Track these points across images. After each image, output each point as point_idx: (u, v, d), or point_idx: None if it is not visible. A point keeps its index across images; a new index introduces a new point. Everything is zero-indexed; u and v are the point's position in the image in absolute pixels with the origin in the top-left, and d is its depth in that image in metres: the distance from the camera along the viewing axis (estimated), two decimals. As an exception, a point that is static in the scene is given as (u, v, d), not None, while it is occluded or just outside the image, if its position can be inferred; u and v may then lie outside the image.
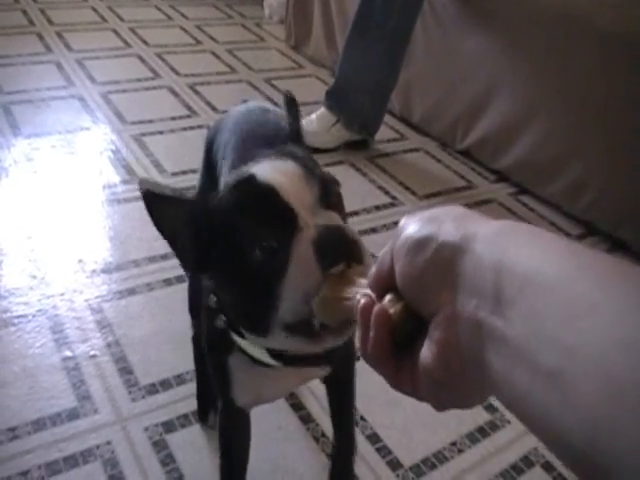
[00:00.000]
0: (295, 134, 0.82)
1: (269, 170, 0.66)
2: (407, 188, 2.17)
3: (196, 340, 1.29)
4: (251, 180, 0.66)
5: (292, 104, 0.85)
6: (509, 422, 1.39)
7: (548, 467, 1.31)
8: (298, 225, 0.62)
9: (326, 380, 1.00)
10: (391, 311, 0.43)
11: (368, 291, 0.46)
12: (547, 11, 2.11)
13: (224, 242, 0.66)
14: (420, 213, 0.43)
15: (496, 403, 1.43)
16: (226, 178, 0.81)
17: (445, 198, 2.19)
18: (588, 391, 0.27)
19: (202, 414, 1.30)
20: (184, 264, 0.73)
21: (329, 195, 0.65)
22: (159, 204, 0.66)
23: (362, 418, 1.33)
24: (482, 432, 1.36)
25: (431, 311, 0.39)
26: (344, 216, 0.68)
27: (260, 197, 0.64)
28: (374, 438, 1.29)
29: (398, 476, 1.24)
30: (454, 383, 0.39)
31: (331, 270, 0.58)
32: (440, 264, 0.38)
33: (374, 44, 2.25)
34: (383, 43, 2.25)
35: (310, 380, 0.94)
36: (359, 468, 1.23)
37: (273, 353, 0.75)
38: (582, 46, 2.01)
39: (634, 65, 1.89)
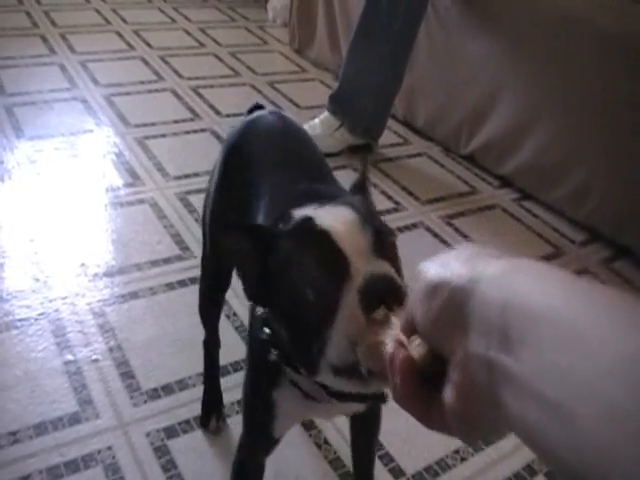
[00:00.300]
0: (359, 186, 0.82)
1: (328, 216, 0.68)
2: (410, 193, 2.16)
3: (207, 344, 1.29)
4: (311, 225, 0.67)
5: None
6: (512, 430, 1.38)
7: (551, 476, 1.31)
8: (349, 273, 0.63)
9: (353, 415, 0.99)
10: (416, 355, 0.45)
11: (399, 335, 0.48)
12: (549, 14, 2.11)
13: (283, 279, 0.68)
14: (437, 257, 0.45)
15: (499, 410, 1.42)
16: (272, 211, 0.82)
17: (448, 203, 2.19)
18: (586, 416, 0.28)
19: (205, 419, 1.29)
20: (247, 292, 0.74)
21: (383, 244, 0.66)
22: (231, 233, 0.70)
23: (365, 425, 1.33)
24: (485, 440, 1.35)
25: (449, 353, 0.41)
26: (398, 266, 0.68)
27: (317, 242, 0.66)
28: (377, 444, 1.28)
29: (400, 484, 1.23)
30: (477, 420, 0.40)
31: (374, 314, 0.59)
32: (452, 308, 0.40)
33: (378, 47, 2.25)
34: (387, 46, 2.25)
35: (352, 410, 0.93)
36: (361, 475, 1.23)
37: (327, 389, 0.75)
38: (584, 49, 2.01)
39: (635, 68, 1.89)
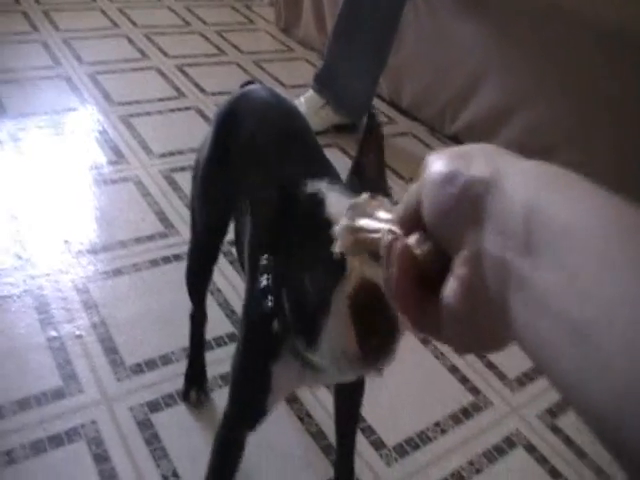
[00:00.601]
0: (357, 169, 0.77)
1: (337, 206, 0.67)
2: (395, 172, 2.17)
3: (193, 318, 1.30)
4: (320, 210, 0.68)
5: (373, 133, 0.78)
6: (492, 404, 1.40)
7: (530, 448, 1.33)
8: (343, 273, 0.64)
9: (338, 385, 1.00)
10: (417, 252, 0.41)
11: (394, 228, 0.43)
12: (537, 0, 2.11)
13: (290, 249, 0.70)
14: (449, 149, 0.40)
15: (479, 385, 1.44)
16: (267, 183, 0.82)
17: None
18: (620, 351, 0.26)
19: (186, 392, 1.30)
20: (256, 240, 0.76)
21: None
22: None
23: (346, 398, 1.35)
24: (466, 413, 1.37)
25: (457, 248, 0.37)
26: None
27: (321, 233, 0.65)
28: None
29: (381, 456, 1.25)
30: (478, 323, 0.37)
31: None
32: (468, 200, 0.36)
33: (363, 28, 2.24)
34: (372, 27, 2.24)
35: (340, 381, 0.95)
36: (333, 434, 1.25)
37: None
38: (571, 34, 2.01)
39: (622, 53, 1.90)
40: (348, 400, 1.06)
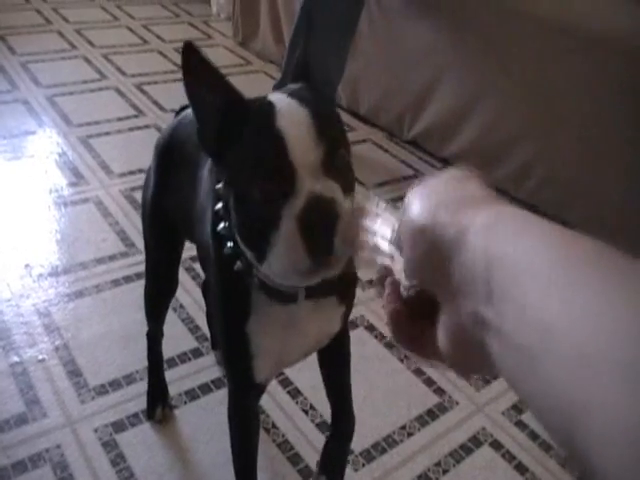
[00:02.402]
0: (302, 70, 0.77)
1: (288, 114, 0.66)
2: (355, 179, 2.18)
3: (150, 336, 1.30)
4: (270, 119, 0.66)
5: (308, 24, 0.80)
6: (457, 404, 1.42)
7: (496, 445, 1.34)
8: (294, 188, 0.63)
9: (322, 352, 0.98)
10: (404, 294, 0.45)
11: (387, 261, 0.48)
12: (490, 1, 2.14)
13: (236, 154, 0.68)
14: (426, 186, 0.44)
15: (444, 386, 1.45)
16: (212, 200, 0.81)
17: (393, 187, 2.22)
18: (561, 367, 0.28)
19: (151, 410, 1.30)
20: (202, 143, 0.73)
21: (334, 160, 0.66)
22: (199, 70, 0.67)
23: (311, 407, 1.35)
24: (431, 415, 1.39)
25: (439, 297, 0.42)
26: (349, 181, 0.68)
27: (270, 143, 0.65)
28: (324, 426, 1.30)
29: (349, 462, 1.25)
30: (471, 361, 0.41)
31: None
32: (438, 259, 0.39)
33: (320, 38, 2.26)
34: (329, 37, 2.26)
35: (326, 337, 0.91)
36: (310, 457, 1.25)
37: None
38: (524, 33, 2.06)
39: (573, 50, 1.93)
40: (335, 363, 1.02)
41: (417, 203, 0.43)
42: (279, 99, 0.69)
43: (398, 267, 0.46)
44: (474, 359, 0.40)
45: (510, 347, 0.33)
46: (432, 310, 0.43)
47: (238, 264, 0.75)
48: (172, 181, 1.03)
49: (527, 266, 0.33)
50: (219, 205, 0.76)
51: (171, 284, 1.22)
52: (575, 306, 0.29)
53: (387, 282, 0.48)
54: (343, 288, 0.84)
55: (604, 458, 0.26)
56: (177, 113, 1.12)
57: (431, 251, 0.40)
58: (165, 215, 1.07)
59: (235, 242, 0.74)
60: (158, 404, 1.30)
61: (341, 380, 1.03)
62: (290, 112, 0.67)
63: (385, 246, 0.50)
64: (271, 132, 0.65)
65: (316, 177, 0.64)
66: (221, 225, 0.75)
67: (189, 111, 1.08)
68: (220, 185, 0.76)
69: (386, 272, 0.48)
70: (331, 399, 1.04)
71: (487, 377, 1.47)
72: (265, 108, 0.67)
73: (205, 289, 1.45)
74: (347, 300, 0.88)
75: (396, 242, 0.47)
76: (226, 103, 0.69)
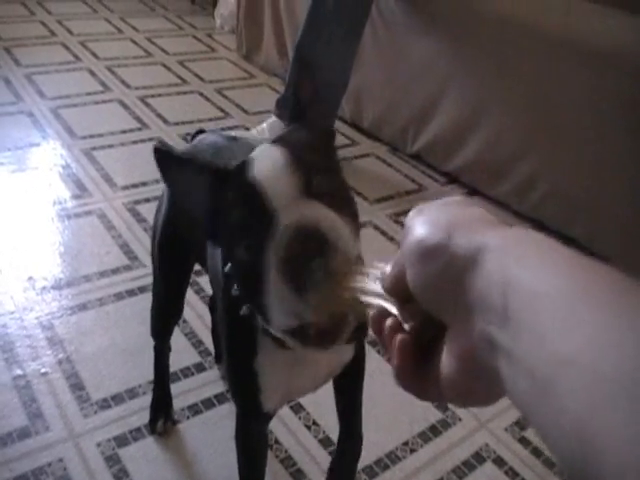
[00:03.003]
0: (298, 112, 0.76)
1: (261, 161, 0.65)
2: (358, 193, 2.19)
3: (157, 350, 1.30)
4: (243, 172, 0.65)
5: (304, 70, 0.80)
6: (460, 420, 1.42)
7: (499, 462, 1.34)
8: (274, 227, 0.60)
9: (335, 380, 0.96)
10: (407, 327, 0.44)
11: (377, 301, 0.47)
12: (493, 15, 2.16)
13: (225, 223, 0.67)
14: (428, 210, 0.43)
15: (447, 401, 1.45)
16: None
17: (396, 201, 2.22)
18: (577, 399, 0.28)
19: (152, 422, 1.30)
20: (202, 229, 0.73)
21: (316, 182, 0.63)
22: (173, 167, 0.68)
23: (314, 422, 1.35)
24: (434, 431, 1.38)
25: (447, 320, 0.40)
26: (340, 198, 0.65)
27: (244, 194, 0.64)
28: (327, 442, 1.30)
29: (351, 478, 1.25)
30: (476, 389, 0.40)
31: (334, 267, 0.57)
32: (452, 277, 0.38)
33: (324, 52, 2.27)
34: (333, 50, 2.27)
35: (338, 368, 0.89)
36: (313, 473, 1.25)
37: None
38: (527, 48, 2.06)
39: (577, 64, 1.94)
40: (348, 385, 0.99)
41: (426, 223, 0.42)
42: (260, 150, 0.69)
43: (393, 310, 0.45)
44: (480, 386, 0.39)
45: (523, 373, 0.33)
46: (435, 339, 0.42)
47: (244, 309, 0.75)
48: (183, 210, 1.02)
49: (547, 295, 0.33)
50: (235, 289, 0.75)
51: (179, 307, 1.23)
52: (595, 340, 0.29)
53: (386, 320, 0.45)
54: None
55: None
56: (193, 137, 1.12)
57: (445, 270, 0.39)
58: (177, 241, 1.07)
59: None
60: (160, 417, 1.30)
61: (354, 399, 1.01)
62: (265, 157, 0.66)
63: (376, 288, 0.48)
64: (245, 183, 0.64)
65: (296, 208, 0.61)
66: (229, 265, 0.75)
67: (204, 136, 1.08)
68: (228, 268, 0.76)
69: (381, 313, 0.46)
70: (341, 417, 1.03)
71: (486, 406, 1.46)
72: (242, 164, 0.67)
73: (212, 304, 1.45)
74: (360, 330, 0.86)
75: (395, 270, 0.45)
76: (211, 182, 0.69)
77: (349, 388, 1.00)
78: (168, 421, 1.30)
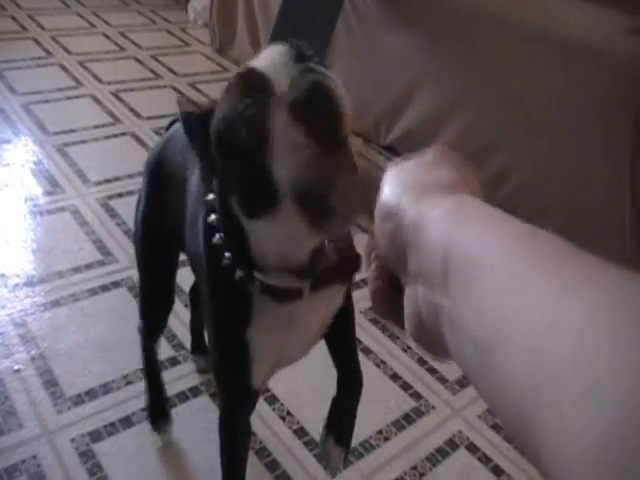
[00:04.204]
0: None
1: (262, 55, 0.66)
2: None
3: (147, 349, 1.27)
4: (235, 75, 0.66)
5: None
6: (434, 408, 1.43)
7: (472, 448, 1.36)
8: (272, 89, 0.60)
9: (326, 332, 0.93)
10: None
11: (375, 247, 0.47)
12: (467, 8, 2.16)
13: (221, 139, 0.66)
14: (400, 169, 0.44)
15: (421, 390, 1.47)
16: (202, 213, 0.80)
17: (370, 193, 2.23)
18: (515, 363, 0.28)
19: (155, 425, 1.28)
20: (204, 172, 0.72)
21: (306, 55, 0.63)
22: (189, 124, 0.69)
23: (289, 413, 1.36)
24: (408, 419, 1.40)
25: (402, 280, 0.42)
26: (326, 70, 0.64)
27: (238, 77, 0.65)
28: (301, 432, 1.31)
29: (325, 469, 1.26)
30: (433, 347, 0.41)
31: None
32: (401, 241, 0.40)
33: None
34: (306, 43, 2.27)
35: (328, 320, 0.87)
36: (287, 463, 1.26)
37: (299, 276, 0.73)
38: (501, 41, 2.07)
39: (551, 58, 1.96)
40: (342, 333, 0.95)
41: (388, 185, 0.43)
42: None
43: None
44: (433, 343, 0.40)
45: (465, 339, 0.33)
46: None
47: (239, 273, 0.73)
48: (163, 198, 1.02)
49: (485, 261, 0.33)
50: (212, 217, 0.74)
51: (170, 300, 1.21)
52: (531, 305, 0.29)
53: (373, 255, 0.47)
54: (347, 267, 0.79)
55: (554, 457, 0.26)
56: (168, 127, 1.12)
57: (394, 235, 0.41)
58: (157, 233, 1.07)
59: (233, 251, 0.73)
60: (162, 421, 1.28)
61: (349, 340, 0.98)
62: (266, 52, 0.66)
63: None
64: (237, 75, 0.65)
65: (291, 68, 0.61)
66: (217, 237, 0.74)
67: (177, 127, 1.07)
68: (211, 196, 0.74)
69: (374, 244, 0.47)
70: (336, 360, 0.98)
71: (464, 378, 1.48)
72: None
73: (194, 295, 1.42)
74: (350, 277, 0.84)
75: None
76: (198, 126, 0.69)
77: (342, 332, 0.95)
78: (168, 419, 1.29)
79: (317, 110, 0.57)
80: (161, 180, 1.02)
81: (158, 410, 1.29)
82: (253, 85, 0.61)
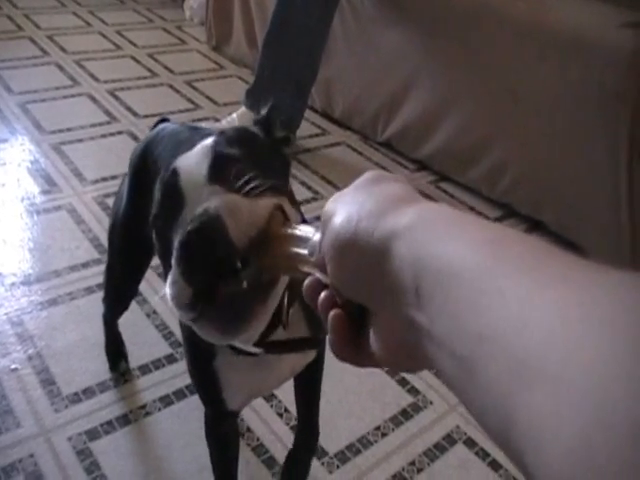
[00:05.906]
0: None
1: (186, 157, 0.68)
2: (329, 182, 2.20)
3: (106, 316, 1.37)
4: (169, 170, 0.68)
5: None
6: (431, 403, 1.43)
7: (470, 443, 1.36)
8: (184, 202, 0.62)
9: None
10: (339, 300, 0.44)
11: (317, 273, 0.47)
12: (462, 4, 2.16)
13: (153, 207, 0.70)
14: (343, 198, 0.43)
15: (418, 385, 1.47)
16: None
17: (367, 190, 2.22)
18: (495, 372, 0.28)
19: (113, 364, 1.39)
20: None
21: (220, 171, 0.63)
22: None
23: (286, 410, 1.36)
24: (405, 415, 1.40)
25: (370, 307, 0.41)
26: (260, 186, 0.62)
27: (164, 183, 0.67)
28: (298, 429, 1.31)
29: (323, 464, 1.26)
30: (405, 364, 0.42)
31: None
32: (367, 268, 0.39)
33: (293, 42, 2.27)
34: (302, 41, 2.27)
35: (301, 367, 0.90)
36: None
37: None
38: (496, 36, 2.08)
39: (547, 53, 1.96)
40: (308, 385, 1.03)
41: (338, 214, 0.41)
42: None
43: (325, 279, 0.45)
44: (409, 361, 0.40)
45: (444, 353, 0.33)
46: (367, 313, 0.43)
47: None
48: (145, 193, 1.01)
49: (455, 271, 0.32)
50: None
51: (132, 297, 1.31)
52: (508, 316, 0.29)
53: (322, 292, 0.46)
54: (313, 332, 0.81)
55: (538, 467, 0.25)
56: (155, 126, 1.11)
57: (359, 262, 0.39)
58: (136, 231, 1.06)
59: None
60: (119, 359, 1.39)
61: (312, 395, 1.05)
62: (191, 154, 0.68)
63: (306, 255, 0.48)
64: (165, 176, 0.67)
65: (209, 193, 0.61)
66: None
67: (165, 125, 1.07)
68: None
69: (314, 282, 0.47)
70: (300, 410, 1.06)
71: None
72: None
73: None
74: (319, 343, 0.87)
75: (316, 255, 0.45)
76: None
77: (308, 384, 1.03)
78: (127, 361, 1.40)
79: (202, 250, 0.56)
80: (144, 176, 1.01)
81: (116, 353, 1.40)
82: (174, 190, 0.64)
